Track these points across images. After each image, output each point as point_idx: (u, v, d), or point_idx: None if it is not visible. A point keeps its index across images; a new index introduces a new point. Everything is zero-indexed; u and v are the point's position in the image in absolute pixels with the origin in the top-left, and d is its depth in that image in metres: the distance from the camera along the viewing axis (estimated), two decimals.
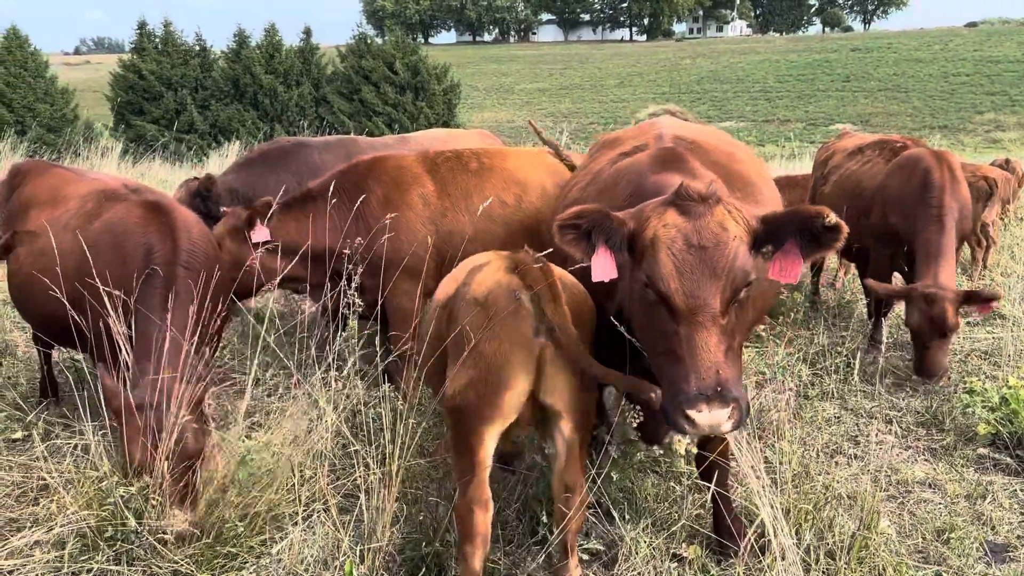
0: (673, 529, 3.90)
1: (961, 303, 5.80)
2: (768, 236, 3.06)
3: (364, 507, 3.64)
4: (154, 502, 3.46)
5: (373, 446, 3.78)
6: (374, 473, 3.67)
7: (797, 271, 3.08)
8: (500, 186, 5.54)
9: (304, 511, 3.81)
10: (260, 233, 5.24)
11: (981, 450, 5.01)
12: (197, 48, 33.51)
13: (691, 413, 2.80)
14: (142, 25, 32.66)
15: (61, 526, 3.54)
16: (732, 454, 3.78)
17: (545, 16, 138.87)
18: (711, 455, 3.79)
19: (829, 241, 3.00)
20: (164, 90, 31.30)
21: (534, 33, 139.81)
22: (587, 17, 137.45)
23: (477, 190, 5.49)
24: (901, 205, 6.42)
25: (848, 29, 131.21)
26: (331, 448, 4.24)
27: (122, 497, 3.48)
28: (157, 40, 32.63)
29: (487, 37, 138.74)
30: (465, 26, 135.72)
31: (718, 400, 2.79)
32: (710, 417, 2.80)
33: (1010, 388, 4.99)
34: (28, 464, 4.29)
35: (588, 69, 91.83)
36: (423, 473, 4.25)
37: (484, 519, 3.17)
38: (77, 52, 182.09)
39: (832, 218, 2.93)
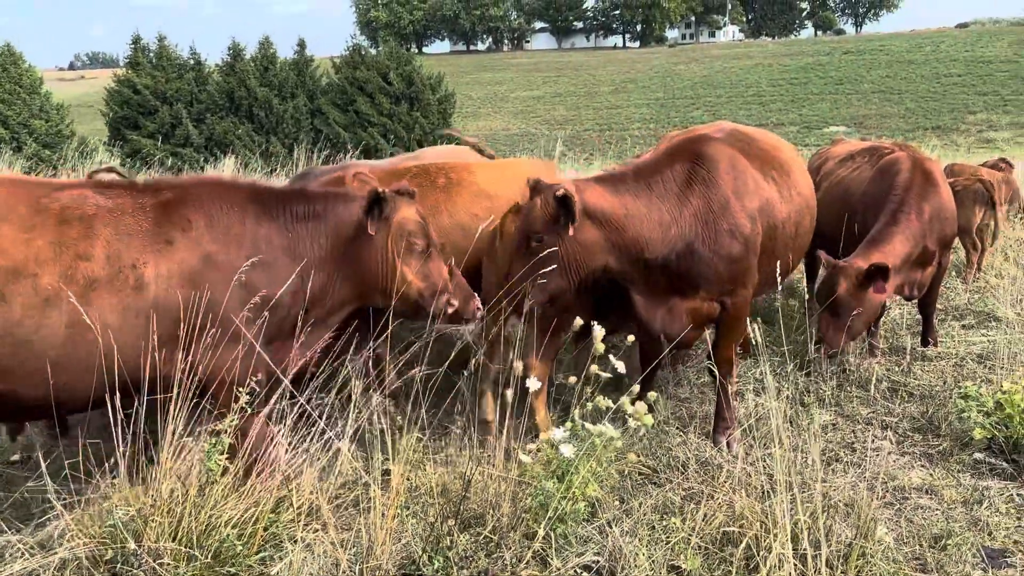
0: (672, 541, 3.91)
1: (859, 281, 5.83)
2: None
3: (363, 525, 3.65)
4: (153, 523, 3.48)
5: (373, 459, 3.80)
6: (374, 491, 3.69)
7: None
8: (469, 201, 5.58)
9: (303, 530, 3.81)
10: None
11: (977, 455, 5.03)
12: (192, 62, 33.64)
13: None
14: (136, 40, 32.80)
15: (62, 547, 3.55)
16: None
17: (538, 24, 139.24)
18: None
19: None
20: (159, 104, 31.39)
21: (527, 41, 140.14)
22: (580, 24, 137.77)
23: (446, 206, 5.53)
24: (873, 206, 6.48)
25: (840, 32, 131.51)
26: (329, 463, 4.25)
27: (121, 519, 3.50)
28: (151, 54, 32.74)
29: (481, 46, 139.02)
30: (459, 35, 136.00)
31: None
32: None
33: (1004, 393, 5.00)
34: (28, 486, 4.29)
35: (582, 76, 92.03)
36: (424, 488, 4.27)
37: None
38: (71, 67, 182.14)
39: None
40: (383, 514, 3.63)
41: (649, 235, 4.73)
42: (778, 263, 5.02)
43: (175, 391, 3.75)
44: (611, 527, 3.93)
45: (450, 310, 4.60)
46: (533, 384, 4.11)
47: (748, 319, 5.86)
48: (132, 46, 32.73)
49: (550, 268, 4.46)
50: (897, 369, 6.65)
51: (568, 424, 3.96)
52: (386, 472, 3.97)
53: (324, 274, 4.30)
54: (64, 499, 3.75)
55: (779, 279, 4.83)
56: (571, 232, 4.49)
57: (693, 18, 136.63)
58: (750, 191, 5.02)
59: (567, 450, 3.80)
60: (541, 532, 3.76)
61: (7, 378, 3.61)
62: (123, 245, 3.77)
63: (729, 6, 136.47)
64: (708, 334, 5.34)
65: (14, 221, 3.65)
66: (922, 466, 5.01)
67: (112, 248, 3.74)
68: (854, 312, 5.84)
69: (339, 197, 4.45)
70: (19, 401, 3.71)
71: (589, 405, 4.01)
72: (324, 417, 4.19)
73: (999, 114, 63.79)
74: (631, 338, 4.68)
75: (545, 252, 4.47)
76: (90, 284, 3.65)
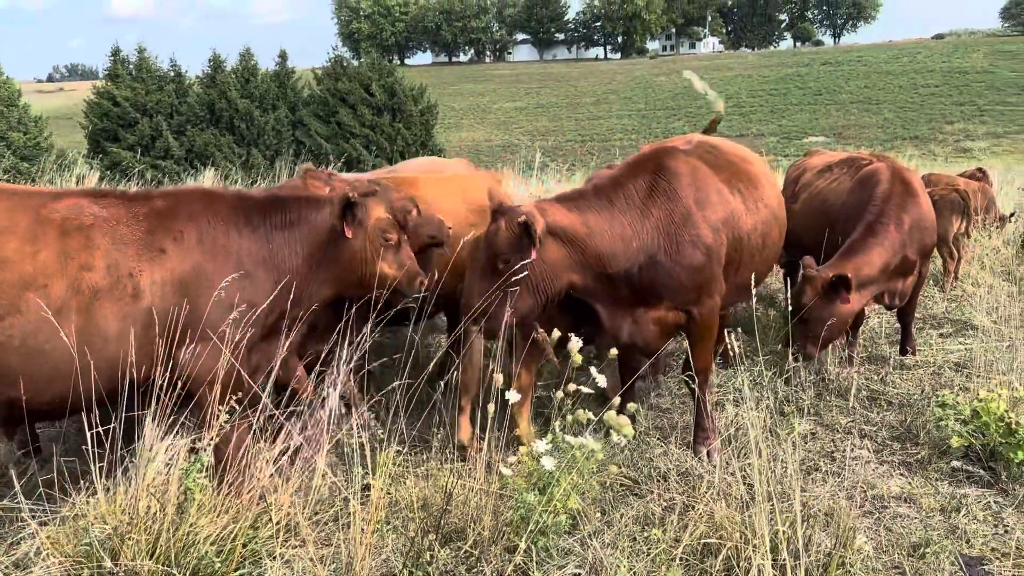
0: (653, 552, 3.91)
1: (824, 289, 5.92)
2: None
3: (343, 540, 3.63)
4: (130, 541, 3.44)
5: (353, 473, 3.78)
6: (354, 506, 3.67)
7: None
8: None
9: (282, 546, 3.79)
10: None
11: (955, 463, 5.06)
12: (172, 73, 33.44)
13: None
14: (116, 52, 32.59)
15: (37, 566, 3.51)
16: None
17: (520, 36, 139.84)
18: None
19: None
20: (139, 116, 31.18)
21: (509, 53, 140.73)
22: (561, 36, 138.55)
23: None
24: (852, 217, 6.55)
25: (818, 43, 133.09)
26: (307, 479, 4.23)
27: (97, 537, 3.46)
28: (131, 66, 32.54)
29: (463, 57, 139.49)
30: (441, 47, 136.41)
31: None
32: None
33: (981, 401, 5.04)
34: (2, 504, 4.24)
35: (564, 87, 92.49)
36: (405, 502, 4.25)
37: None
38: (50, 80, 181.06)
39: None
40: (363, 529, 3.61)
41: (612, 250, 4.81)
42: (747, 273, 5.12)
43: (152, 406, 3.73)
44: (592, 539, 3.93)
45: (423, 289, 4.91)
46: (513, 396, 4.11)
47: (727, 330, 5.90)
48: (112, 58, 32.53)
49: (516, 288, 4.58)
50: (876, 378, 6.70)
51: (549, 436, 3.96)
52: (366, 487, 3.95)
53: (302, 278, 4.43)
54: (39, 517, 3.70)
55: (752, 289, 4.88)
56: (534, 255, 4.57)
57: (674, 30, 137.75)
58: (713, 202, 5.08)
59: (548, 463, 3.80)
60: (522, 545, 3.75)
61: (20, 385, 3.73)
62: (120, 254, 3.89)
63: (709, 18, 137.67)
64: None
65: (18, 233, 3.75)
66: (901, 474, 5.04)
67: (111, 258, 3.86)
68: (823, 320, 5.91)
69: (313, 203, 4.56)
70: (30, 406, 3.85)
71: (570, 417, 4.01)
72: (301, 432, 4.17)
73: (975, 124, 64.72)
74: (614, 351, 4.69)
75: (522, 273, 4.59)
76: (95, 294, 3.78)
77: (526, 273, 4.59)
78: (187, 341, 3.94)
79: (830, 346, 6.67)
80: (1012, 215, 11.83)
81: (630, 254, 4.84)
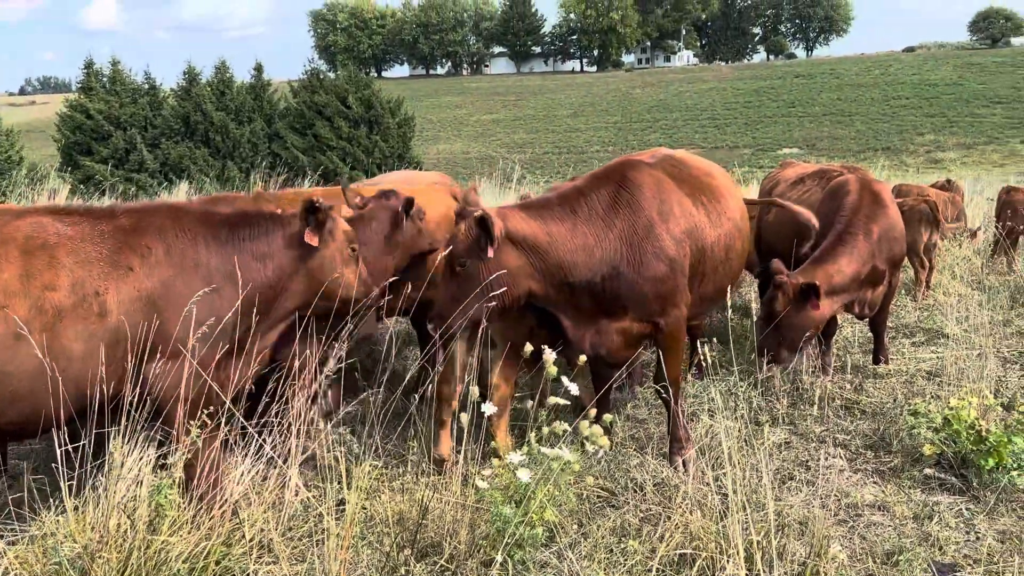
0: (629, 563, 3.91)
1: (794, 296, 5.97)
2: None
3: (317, 556, 3.60)
4: (100, 560, 3.39)
5: (328, 487, 3.75)
6: (328, 521, 3.64)
7: None
8: None
9: (256, 563, 3.75)
10: None
11: (927, 470, 5.11)
12: (146, 86, 33.22)
13: None
14: (89, 64, 32.34)
15: None
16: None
17: (497, 49, 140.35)
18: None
19: None
20: (113, 129, 30.92)
21: (486, 65, 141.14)
22: (538, 49, 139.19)
23: None
24: (826, 227, 6.62)
25: (791, 56, 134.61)
26: (281, 494, 4.19)
27: (67, 555, 3.41)
28: (105, 79, 32.29)
29: (440, 70, 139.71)
30: (418, 60, 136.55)
31: None
32: None
33: (952, 409, 5.10)
34: None
35: (541, 100, 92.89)
36: (380, 517, 4.22)
37: None
38: (22, 92, 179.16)
39: None
40: (337, 544, 3.58)
41: (573, 259, 4.82)
42: (712, 285, 5.20)
43: (123, 422, 3.69)
44: (569, 551, 3.92)
45: (380, 300, 4.93)
46: (489, 409, 4.10)
47: (701, 340, 5.93)
48: (85, 71, 32.29)
49: (474, 292, 4.61)
50: (849, 387, 6.76)
51: (525, 448, 3.95)
52: (341, 502, 3.92)
53: (271, 292, 4.41)
54: (7, 537, 3.64)
55: (718, 300, 4.94)
56: (491, 254, 4.57)
57: (649, 43, 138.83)
58: (676, 214, 5.13)
59: (524, 475, 3.79)
60: (499, 558, 3.74)
61: None
62: (85, 273, 3.81)
63: (684, 32, 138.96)
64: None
65: None
66: (874, 483, 5.08)
67: (76, 276, 3.79)
68: (794, 326, 5.99)
69: (280, 219, 4.54)
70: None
71: (546, 429, 4.01)
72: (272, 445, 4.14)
73: (946, 135, 65.75)
74: (583, 358, 4.70)
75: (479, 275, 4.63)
76: (59, 313, 3.70)
77: (488, 277, 4.59)
78: (156, 357, 3.89)
79: (804, 356, 6.74)
80: (979, 229, 12.04)
81: (592, 264, 4.86)
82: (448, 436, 5.21)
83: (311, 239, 4.44)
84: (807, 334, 6.12)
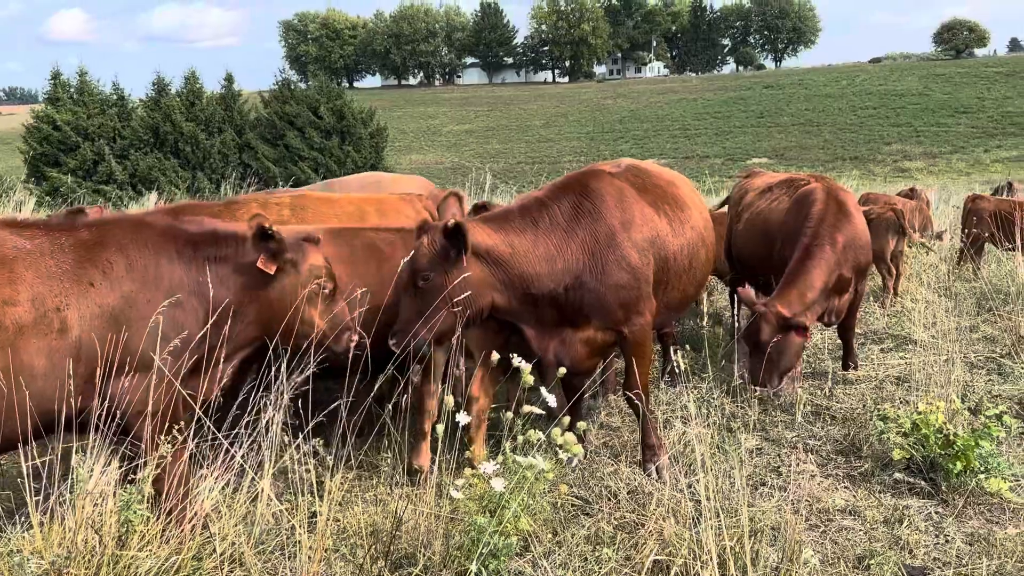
0: (604, 571, 3.92)
1: (779, 327, 6.01)
2: None
3: (289, 570, 3.56)
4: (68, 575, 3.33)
5: (299, 499, 3.72)
6: (300, 534, 3.60)
7: None
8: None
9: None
10: None
11: (897, 475, 5.17)
12: (114, 97, 32.89)
13: None
14: (56, 75, 31.98)
15: None
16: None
17: (469, 59, 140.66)
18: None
19: None
20: (80, 140, 30.56)
21: (459, 76, 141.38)
22: (510, 60, 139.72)
23: None
24: (791, 236, 6.70)
25: (760, 67, 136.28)
26: (252, 507, 4.14)
27: (34, 572, 3.34)
28: (72, 89, 31.92)
29: (412, 81, 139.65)
30: (390, 70, 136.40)
31: None
32: None
33: (920, 414, 5.17)
34: None
35: (514, 110, 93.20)
36: (353, 528, 4.18)
37: None
38: None
39: None
40: (309, 557, 3.55)
41: (535, 270, 4.82)
42: (676, 293, 5.29)
43: (90, 437, 3.64)
44: (544, 560, 3.92)
45: (352, 346, 4.58)
46: (464, 419, 4.08)
47: (674, 347, 5.97)
48: (52, 81, 31.91)
49: (435, 305, 4.57)
50: (820, 393, 6.83)
51: (499, 457, 3.95)
52: (313, 514, 3.89)
53: (231, 313, 4.20)
54: None
55: (683, 307, 5.00)
56: (465, 262, 4.56)
57: (620, 54, 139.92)
58: (638, 223, 5.15)
59: (498, 484, 3.78)
60: (473, 568, 3.72)
61: None
62: (46, 288, 3.70)
63: (654, 43, 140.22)
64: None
65: None
66: (845, 487, 5.13)
67: (35, 291, 3.67)
68: (783, 352, 6.05)
69: (244, 240, 4.34)
70: None
71: (521, 438, 4.01)
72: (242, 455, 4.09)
73: (912, 144, 66.84)
74: (562, 370, 4.71)
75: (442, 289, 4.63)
76: (19, 330, 3.58)
77: (449, 290, 4.56)
78: (121, 372, 3.81)
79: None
80: (944, 231, 12.25)
81: (555, 274, 4.86)
82: (427, 446, 5.19)
83: (266, 266, 4.23)
84: (800, 356, 6.22)
